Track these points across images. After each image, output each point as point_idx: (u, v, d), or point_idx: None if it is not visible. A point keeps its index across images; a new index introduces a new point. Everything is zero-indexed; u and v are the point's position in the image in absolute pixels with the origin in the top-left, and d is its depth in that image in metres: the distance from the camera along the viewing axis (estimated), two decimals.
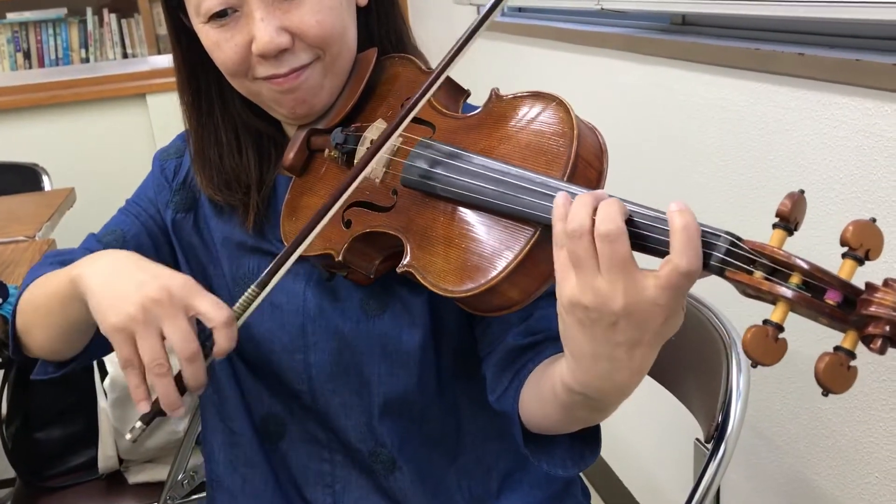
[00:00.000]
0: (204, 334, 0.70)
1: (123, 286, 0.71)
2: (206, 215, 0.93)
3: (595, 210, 0.57)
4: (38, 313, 0.84)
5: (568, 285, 0.58)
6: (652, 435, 1.76)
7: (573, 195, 0.59)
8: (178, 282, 0.71)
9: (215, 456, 0.98)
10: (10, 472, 2.26)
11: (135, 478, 1.40)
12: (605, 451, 2.09)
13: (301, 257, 0.75)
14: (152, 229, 0.94)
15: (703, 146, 1.37)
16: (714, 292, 1.15)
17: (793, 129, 1.15)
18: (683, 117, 1.42)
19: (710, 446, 0.92)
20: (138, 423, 0.70)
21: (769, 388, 1.27)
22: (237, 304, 0.72)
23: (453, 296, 0.68)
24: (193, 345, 0.69)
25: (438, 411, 0.91)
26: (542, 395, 0.73)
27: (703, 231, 0.55)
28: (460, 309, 0.87)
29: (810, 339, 1.16)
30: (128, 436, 0.70)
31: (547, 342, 0.78)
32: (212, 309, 0.70)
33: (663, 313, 0.56)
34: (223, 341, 0.69)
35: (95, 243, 0.92)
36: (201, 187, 0.90)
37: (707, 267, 0.55)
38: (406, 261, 0.72)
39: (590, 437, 0.79)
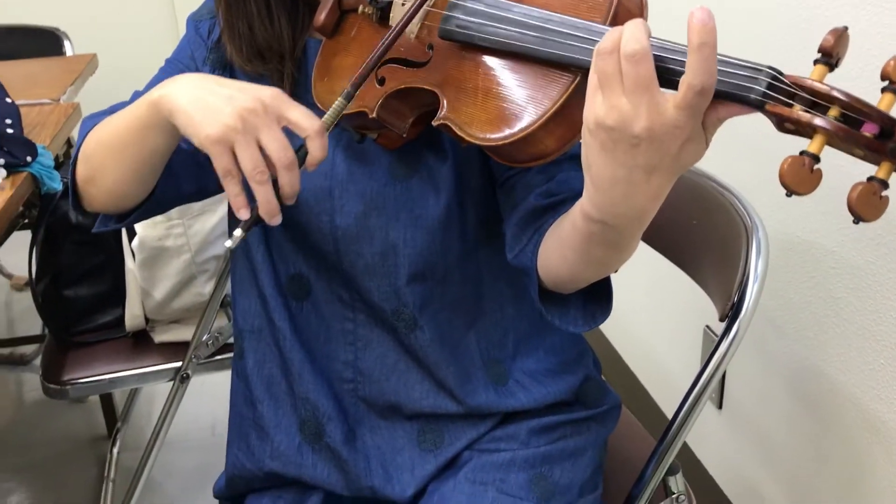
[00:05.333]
0: (295, 145, 0.72)
1: (214, 99, 0.72)
2: (238, 75, 0.93)
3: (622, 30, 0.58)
4: (110, 151, 0.84)
5: (594, 107, 0.60)
6: (661, 321, 1.79)
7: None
8: (269, 92, 0.72)
9: (244, 312, 1.01)
10: (35, 330, 2.35)
11: (160, 337, 1.44)
12: (612, 335, 2.15)
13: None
14: None
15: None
16: (738, 177, 1.15)
17: None
18: None
19: (722, 328, 0.94)
20: (238, 231, 0.72)
21: (785, 276, 1.29)
22: (326, 116, 0.73)
23: (489, 144, 0.68)
24: (290, 153, 0.71)
25: (460, 275, 0.93)
26: (561, 237, 0.75)
27: (744, 66, 0.56)
28: (484, 175, 0.89)
29: (832, 227, 1.18)
30: (228, 243, 0.71)
31: (567, 201, 0.79)
32: (304, 119, 0.72)
33: (682, 135, 0.58)
34: (316, 150, 0.72)
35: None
36: (232, 59, 0.90)
37: (748, 102, 0.56)
38: (442, 113, 0.72)
39: (602, 298, 0.82)
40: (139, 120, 0.79)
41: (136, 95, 0.94)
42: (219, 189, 0.94)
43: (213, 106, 0.72)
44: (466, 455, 0.96)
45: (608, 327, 2.10)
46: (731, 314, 0.93)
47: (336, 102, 0.73)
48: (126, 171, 0.84)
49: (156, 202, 0.91)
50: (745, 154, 1.32)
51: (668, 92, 0.58)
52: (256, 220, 0.72)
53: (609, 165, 0.61)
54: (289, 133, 0.73)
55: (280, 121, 0.72)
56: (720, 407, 1.54)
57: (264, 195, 0.71)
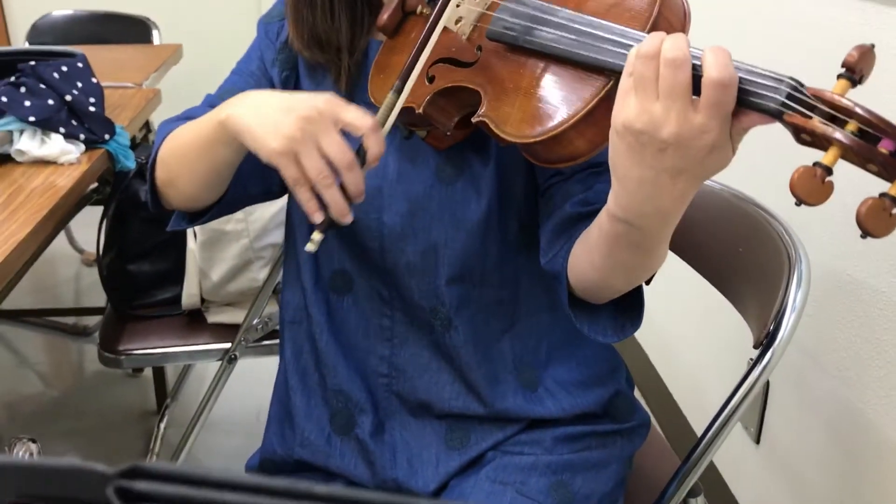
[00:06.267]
0: (354, 145, 0.76)
1: (274, 115, 0.76)
2: (301, 75, 0.98)
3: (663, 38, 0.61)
4: (185, 161, 0.90)
5: (625, 109, 0.62)
6: (705, 345, 1.78)
7: None
8: (322, 99, 0.76)
9: (288, 303, 1.05)
10: (99, 303, 2.45)
11: (213, 317, 1.49)
12: (653, 352, 2.13)
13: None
14: (264, 87, 0.99)
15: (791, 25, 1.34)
16: (790, 209, 1.15)
17: None
18: None
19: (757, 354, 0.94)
20: (315, 234, 0.76)
21: (832, 314, 1.28)
22: (379, 112, 0.77)
23: (521, 141, 0.71)
24: (349, 154, 0.75)
25: (498, 279, 0.95)
26: (588, 241, 0.77)
27: (766, 75, 0.58)
28: (526, 182, 0.91)
29: (883, 268, 1.16)
30: (308, 246, 0.76)
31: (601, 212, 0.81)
32: (358, 118, 0.75)
33: (709, 140, 0.60)
34: (374, 146, 0.76)
35: (217, 99, 0.98)
36: (293, 43, 0.94)
37: (767, 110, 0.58)
38: (482, 110, 0.76)
39: (633, 310, 0.83)
40: (208, 136, 0.85)
41: (208, 98, 1.00)
42: (283, 190, 1.00)
43: (274, 120, 0.76)
44: (490, 455, 0.98)
45: (649, 343, 2.10)
46: (765, 342, 0.93)
47: (387, 97, 0.77)
48: (198, 179, 0.90)
49: (226, 204, 0.96)
50: None
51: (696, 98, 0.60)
52: (330, 222, 0.76)
53: (636, 167, 0.63)
54: (348, 135, 0.76)
55: (336, 124, 0.76)
56: (758, 441, 1.52)
57: (332, 197, 0.75)
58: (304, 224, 1.00)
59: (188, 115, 0.97)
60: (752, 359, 1.51)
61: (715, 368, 1.74)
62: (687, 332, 1.86)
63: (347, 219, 0.76)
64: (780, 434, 1.46)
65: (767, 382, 1.45)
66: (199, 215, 0.98)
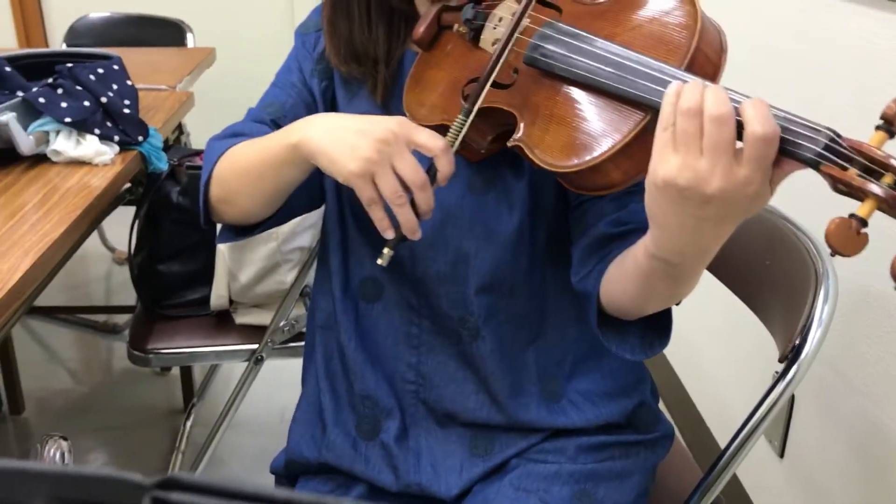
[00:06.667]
0: (425, 165, 0.78)
1: (350, 138, 0.79)
2: (337, 85, 0.99)
3: (705, 92, 0.60)
4: (247, 180, 0.92)
5: (665, 165, 0.62)
6: (729, 358, 1.77)
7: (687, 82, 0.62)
8: (395, 122, 0.79)
9: (319, 308, 1.07)
10: (130, 301, 2.48)
11: (241, 319, 1.51)
12: (678, 363, 2.12)
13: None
14: (306, 98, 1.01)
15: (829, 71, 1.33)
16: (820, 223, 1.14)
17: None
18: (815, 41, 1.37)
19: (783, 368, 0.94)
20: (386, 250, 0.79)
21: (859, 329, 1.27)
22: (449, 133, 0.79)
23: (557, 170, 0.72)
24: (422, 174, 0.77)
25: (526, 291, 0.96)
26: (625, 270, 0.77)
27: (804, 125, 0.59)
28: (558, 196, 0.92)
29: None
30: (379, 261, 0.79)
31: (636, 232, 0.81)
32: (430, 140, 0.78)
33: (752, 191, 0.60)
34: (444, 167, 0.78)
35: (260, 114, 1.00)
36: (329, 58, 0.96)
37: (803, 160, 0.58)
38: (518, 135, 0.76)
39: (661, 328, 0.83)
40: (278, 158, 0.87)
41: (252, 113, 1.02)
42: (324, 200, 1.03)
43: (350, 143, 0.78)
44: (514, 462, 0.98)
45: (673, 354, 2.09)
46: (790, 356, 0.93)
47: (457, 119, 0.78)
48: (259, 197, 0.93)
49: (276, 219, 0.99)
50: (830, 200, 1.31)
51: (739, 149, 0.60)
52: (401, 238, 0.79)
53: (677, 217, 0.63)
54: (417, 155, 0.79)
55: (409, 145, 0.78)
56: (782, 456, 1.51)
57: (405, 216, 0.78)
58: (338, 232, 1.01)
59: (235, 132, 0.99)
60: (777, 372, 1.51)
61: (740, 380, 1.73)
62: (712, 343, 1.85)
63: (417, 235, 0.79)
64: (805, 448, 1.44)
65: (793, 396, 1.44)
66: (250, 230, 1.00)
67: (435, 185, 0.79)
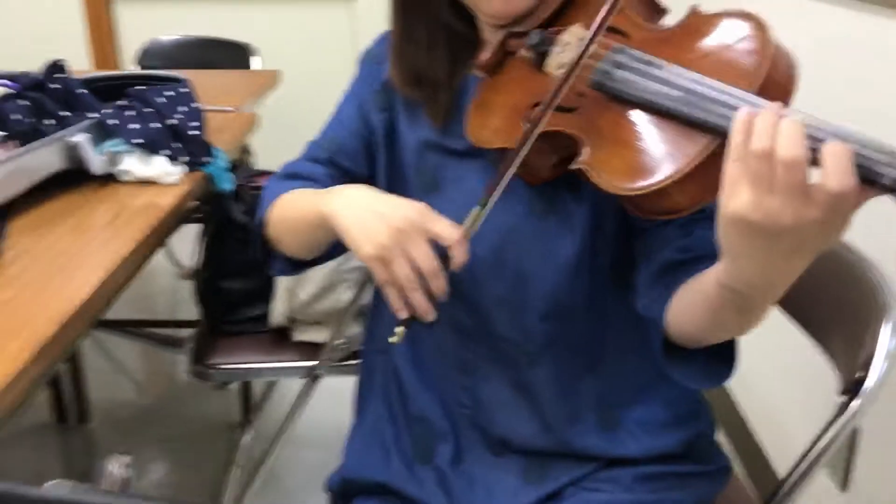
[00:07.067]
0: (440, 250, 0.81)
1: (370, 221, 0.82)
2: (399, 113, 1.01)
3: (777, 129, 0.59)
4: (289, 230, 0.99)
5: (737, 201, 0.61)
6: (792, 389, 1.73)
7: (758, 110, 0.61)
8: (415, 210, 0.81)
9: (374, 331, 1.09)
10: (193, 316, 2.54)
11: (299, 336, 1.53)
12: (739, 394, 2.07)
13: (477, 150, 0.85)
14: (363, 132, 1.03)
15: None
16: (879, 247, 1.11)
17: None
18: (882, 68, 1.34)
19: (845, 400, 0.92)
20: (399, 328, 0.82)
21: None
22: (465, 223, 0.81)
23: (622, 193, 0.71)
24: (435, 263, 0.80)
25: (586, 318, 0.95)
26: (692, 298, 0.77)
27: (882, 150, 0.57)
28: (620, 222, 0.91)
29: None
30: (392, 339, 0.82)
31: (702, 259, 0.80)
32: (445, 231, 0.81)
33: (826, 230, 0.59)
34: (459, 256, 0.81)
35: (318, 152, 1.05)
36: (393, 80, 0.98)
37: (881, 186, 0.57)
38: (582, 158, 0.76)
39: (726, 358, 0.82)
40: (312, 221, 0.92)
41: (311, 150, 1.06)
42: None
43: (371, 228, 0.81)
44: (569, 491, 0.97)
45: (733, 382, 2.04)
46: (853, 388, 0.91)
47: (472, 210, 0.80)
48: (303, 246, 1.00)
49: (326, 257, 1.04)
50: (894, 227, 1.27)
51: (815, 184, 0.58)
52: (414, 319, 0.82)
53: (748, 249, 0.63)
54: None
55: (426, 234, 0.80)
56: (844, 489, 1.47)
57: (417, 300, 0.81)
58: None
59: (293, 172, 1.04)
60: (840, 402, 1.47)
61: (801, 410, 1.68)
62: (773, 370, 1.81)
63: (430, 317, 0.82)
64: (869, 482, 1.40)
65: (858, 427, 1.40)
66: (302, 265, 1.06)
67: (448, 270, 0.81)
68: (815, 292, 1.06)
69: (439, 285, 0.81)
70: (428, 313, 0.82)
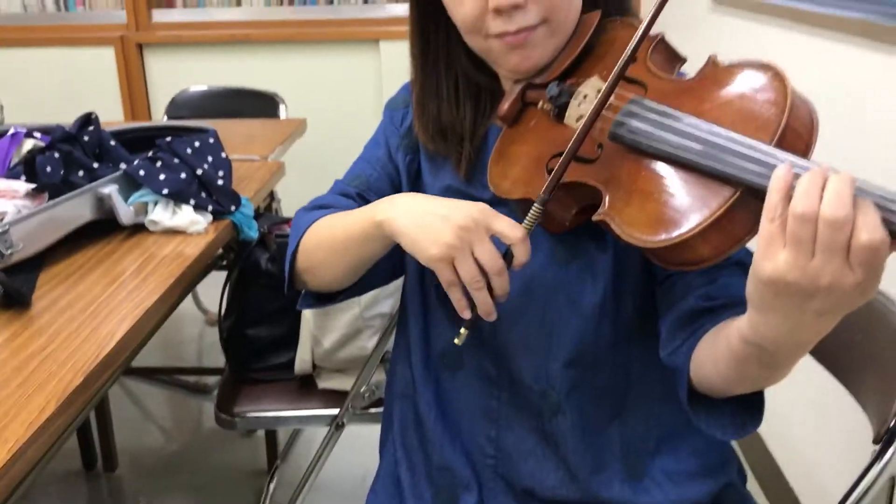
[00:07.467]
0: (501, 250, 0.81)
1: (432, 222, 0.81)
2: (422, 159, 1.02)
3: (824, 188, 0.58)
4: (331, 252, 0.95)
5: (773, 261, 0.59)
6: (824, 437, 1.69)
7: (799, 171, 0.60)
8: (477, 209, 0.81)
9: (396, 378, 1.08)
10: (220, 363, 2.55)
11: (324, 383, 1.53)
12: (771, 441, 2.03)
13: (501, 201, 0.85)
14: (391, 173, 1.04)
15: None
16: None
17: None
18: None
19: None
20: (463, 330, 0.82)
21: None
22: (525, 222, 0.81)
23: (645, 245, 0.71)
24: (500, 261, 0.80)
25: (611, 365, 0.94)
26: (716, 350, 0.76)
27: None
28: (643, 269, 0.91)
29: None
30: (456, 340, 0.82)
31: (727, 307, 0.80)
32: (508, 229, 0.80)
33: (860, 288, 0.58)
34: (521, 255, 0.80)
35: (346, 187, 1.04)
36: (417, 134, 0.99)
37: None
38: (603, 210, 0.76)
39: (754, 408, 0.81)
40: (361, 234, 0.90)
41: (338, 186, 1.05)
42: (402, 271, 1.05)
43: (433, 227, 0.81)
44: None
45: (766, 430, 2.00)
46: (886, 438, 0.89)
47: (532, 209, 0.80)
48: (343, 269, 0.96)
49: (358, 289, 1.02)
50: None
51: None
52: (477, 318, 0.82)
53: (779, 308, 0.62)
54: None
55: (488, 232, 0.80)
56: None
57: (482, 299, 0.81)
58: (418, 303, 1.03)
59: (322, 205, 1.03)
60: (875, 451, 1.43)
61: (835, 458, 1.65)
62: (806, 418, 1.78)
63: (492, 317, 0.81)
64: None
65: (894, 475, 1.37)
66: (330, 298, 1.03)
67: (510, 269, 0.81)
68: (846, 339, 1.05)
69: (502, 284, 0.80)
70: (491, 313, 0.81)
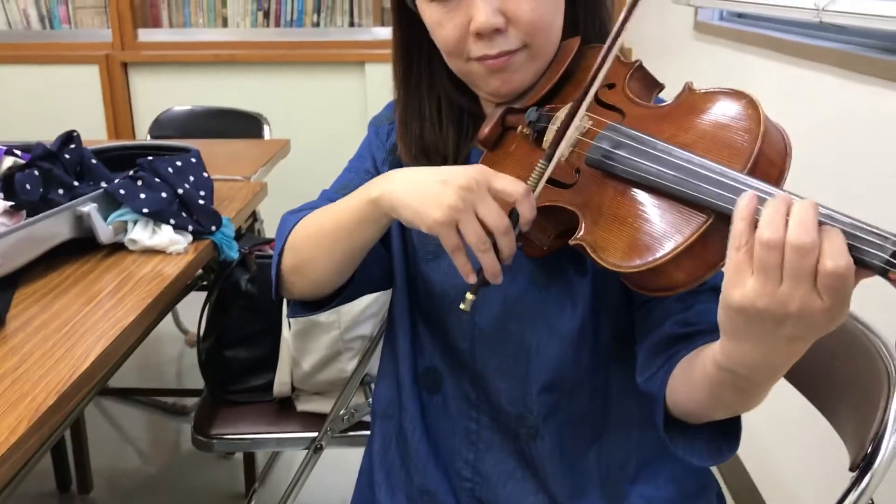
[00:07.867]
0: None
1: (432, 188, 0.78)
2: None
3: (789, 216, 0.58)
4: (322, 243, 0.91)
5: (741, 289, 0.60)
6: (802, 461, 1.69)
7: (762, 196, 0.61)
8: (475, 169, 0.79)
9: (380, 396, 1.07)
10: (199, 384, 2.53)
11: (303, 406, 1.52)
12: (750, 464, 2.03)
13: None
14: None
15: None
16: (887, 321, 1.10)
17: None
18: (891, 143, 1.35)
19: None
20: (469, 295, 0.79)
21: None
22: (530, 178, 0.79)
23: (619, 270, 0.71)
24: (505, 220, 0.77)
25: (589, 390, 0.94)
26: (692, 375, 0.76)
27: (871, 232, 0.57)
28: (622, 294, 0.91)
29: None
30: (462, 306, 0.79)
31: (703, 334, 0.80)
32: (510, 185, 0.78)
33: (830, 314, 0.59)
34: (526, 211, 0.78)
35: (334, 195, 1.01)
36: (401, 154, 0.99)
37: (870, 267, 0.57)
38: (579, 234, 0.76)
39: (730, 433, 0.81)
40: (357, 215, 0.86)
41: (326, 193, 1.04)
42: (391, 282, 1.03)
43: (433, 192, 0.78)
44: None
45: (745, 454, 2.00)
46: (862, 465, 0.89)
47: (538, 164, 0.79)
48: (334, 261, 0.91)
49: (351, 291, 0.98)
50: None
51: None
52: (483, 282, 0.79)
53: (751, 334, 0.63)
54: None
55: (490, 191, 0.78)
56: None
57: (488, 261, 0.78)
58: (406, 319, 1.02)
59: (311, 207, 1.00)
60: (852, 478, 1.43)
61: (815, 483, 1.65)
62: (784, 442, 1.78)
63: (499, 279, 0.78)
64: None
65: (871, 501, 1.37)
66: (319, 305, 0.99)
67: (517, 230, 0.79)
68: (821, 364, 1.05)
69: (509, 244, 0.77)
70: (497, 275, 0.78)
